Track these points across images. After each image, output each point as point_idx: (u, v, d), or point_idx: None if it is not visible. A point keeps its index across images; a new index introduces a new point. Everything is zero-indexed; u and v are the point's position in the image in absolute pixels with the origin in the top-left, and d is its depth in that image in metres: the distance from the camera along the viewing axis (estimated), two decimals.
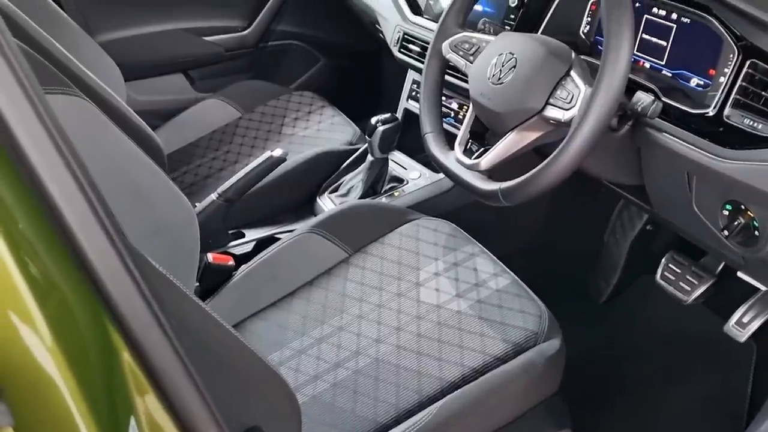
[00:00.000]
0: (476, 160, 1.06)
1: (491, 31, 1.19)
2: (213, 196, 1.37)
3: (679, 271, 1.41)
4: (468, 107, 1.48)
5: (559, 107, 0.95)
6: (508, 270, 1.22)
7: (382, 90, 2.32)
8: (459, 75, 1.35)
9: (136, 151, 1.04)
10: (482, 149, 1.08)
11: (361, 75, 2.28)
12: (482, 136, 1.15)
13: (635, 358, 1.60)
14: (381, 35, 1.73)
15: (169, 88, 2.00)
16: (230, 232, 1.46)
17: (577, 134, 0.89)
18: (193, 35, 1.98)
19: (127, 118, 1.15)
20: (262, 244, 1.45)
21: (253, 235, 1.48)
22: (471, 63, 1.12)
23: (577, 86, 0.94)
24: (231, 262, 1.29)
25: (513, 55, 1.03)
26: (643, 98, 0.94)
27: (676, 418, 1.50)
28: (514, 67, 1.01)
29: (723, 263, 1.35)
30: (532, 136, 1.02)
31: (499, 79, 1.03)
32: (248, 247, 1.44)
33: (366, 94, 2.30)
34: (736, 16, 0.96)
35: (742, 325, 1.26)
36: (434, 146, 1.15)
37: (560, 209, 1.72)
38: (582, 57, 1.07)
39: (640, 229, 1.68)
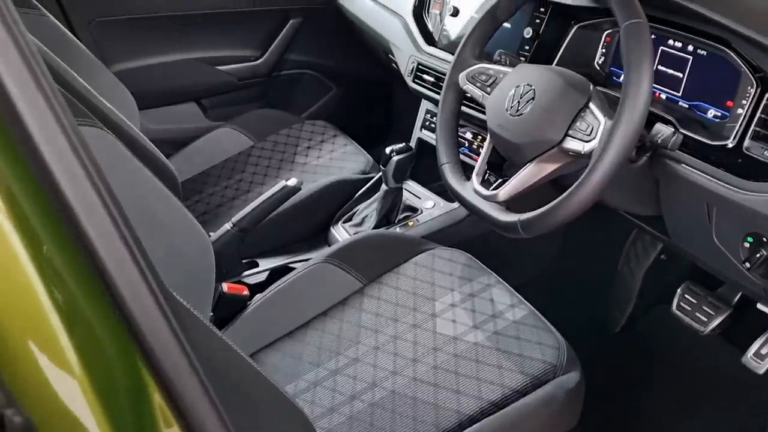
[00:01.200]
0: (494, 191, 1.06)
1: (507, 62, 1.20)
2: (227, 226, 1.37)
3: (695, 301, 1.40)
4: (483, 137, 1.49)
5: (579, 139, 0.95)
6: (525, 301, 1.21)
7: (393, 118, 2.34)
8: (474, 105, 1.36)
9: (154, 182, 1.04)
10: (500, 180, 1.08)
11: (372, 103, 2.30)
12: (500, 166, 1.15)
13: (652, 389, 1.58)
14: (394, 65, 1.74)
15: (182, 116, 2.01)
16: (244, 261, 1.46)
17: (597, 166, 0.89)
18: (206, 65, 2.00)
19: (144, 148, 1.16)
20: (276, 273, 1.44)
21: (266, 264, 1.48)
22: (488, 94, 1.13)
23: (596, 118, 0.94)
24: (245, 292, 1.29)
25: (531, 86, 1.03)
26: (662, 130, 0.94)
27: None
28: (533, 98, 1.02)
29: (740, 293, 1.34)
30: (550, 167, 1.02)
31: (518, 110, 1.03)
32: (262, 277, 1.44)
33: (377, 123, 2.32)
34: (755, 49, 0.96)
35: (760, 356, 1.24)
36: (451, 177, 1.15)
37: (574, 238, 1.72)
38: (599, 88, 1.07)
39: (654, 259, 1.67)
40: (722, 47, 1.03)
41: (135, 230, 0.46)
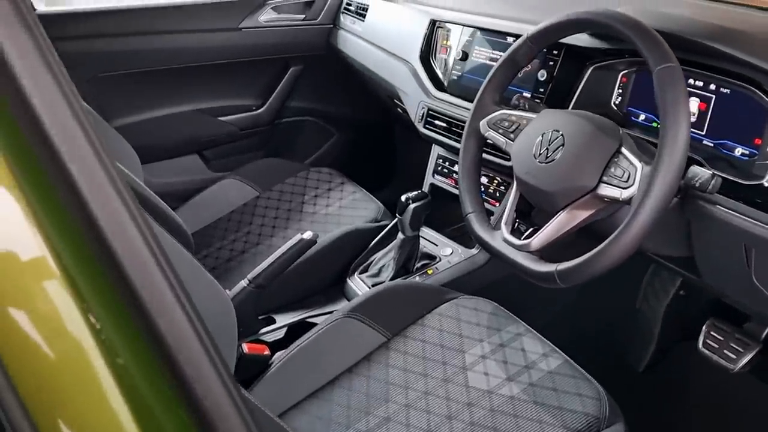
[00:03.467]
0: (526, 241, 1.03)
1: (527, 107, 1.18)
2: (243, 283, 1.33)
3: (722, 338, 1.38)
4: (499, 181, 1.47)
5: (615, 185, 0.93)
6: (558, 349, 1.17)
7: (397, 162, 2.32)
8: (493, 151, 1.34)
9: (173, 243, 1.00)
10: (531, 229, 1.05)
11: (375, 147, 2.29)
12: (528, 214, 1.12)
13: (683, 429, 1.54)
14: (400, 110, 1.73)
15: (185, 169, 1.99)
16: (260, 317, 1.42)
17: (640, 213, 0.87)
18: (207, 116, 1.98)
19: (156, 205, 1.12)
20: (294, 329, 1.40)
21: (284, 320, 1.44)
22: (512, 141, 1.11)
23: (632, 164, 0.93)
24: (266, 352, 1.24)
25: (559, 132, 1.01)
26: (700, 173, 0.92)
27: None
28: (562, 145, 1.00)
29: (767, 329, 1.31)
30: (584, 214, 0.99)
31: (547, 157, 1.01)
32: (280, 334, 1.40)
33: (381, 167, 2.30)
34: None
35: None
36: (478, 226, 1.12)
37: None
38: (625, 131, 1.06)
39: (673, 295, 1.65)
40: (746, 85, 1.02)
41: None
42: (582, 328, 1.63)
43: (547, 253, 1.04)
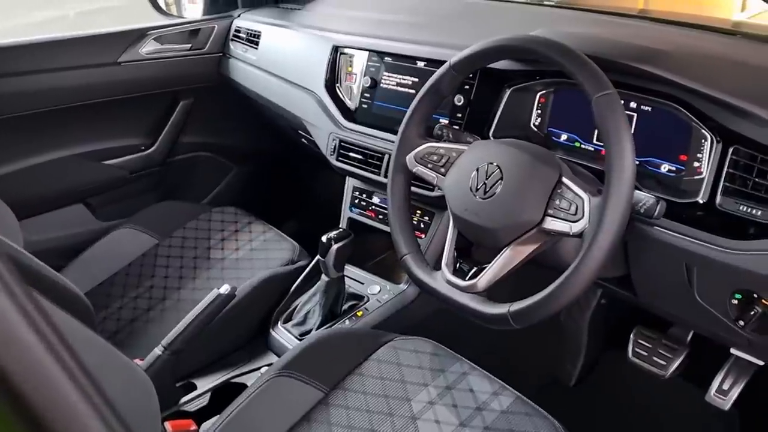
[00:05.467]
0: (471, 282, 0.98)
1: (450, 136, 1.13)
2: (157, 351, 1.19)
3: (650, 345, 1.39)
4: (422, 212, 1.41)
5: (562, 218, 0.89)
6: (507, 386, 1.13)
7: (303, 193, 2.22)
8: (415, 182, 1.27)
9: (77, 326, 0.87)
10: (474, 268, 1.00)
11: (278, 180, 2.17)
12: (467, 252, 1.07)
13: None
14: (306, 141, 1.64)
15: (69, 221, 1.79)
16: (178, 384, 1.28)
17: (594, 248, 0.83)
18: (90, 160, 1.79)
19: (46, 278, 0.97)
20: (218, 393, 1.27)
21: (205, 384, 1.30)
22: (443, 175, 1.05)
23: (577, 195, 0.89)
24: (193, 427, 1.11)
25: (496, 165, 0.96)
26: (644, 199, 0.90)
27: None
28: (501, 178, 0.95)
29: (692, 332, 1.33)
30: (528, 249, 0.95)
31: (486, 192, 0.96)
32: (204, 400, 1.26)
33: (286, 200, 2.19)
34: (712, 105, 0.95)
35: (723, 392, 1.24)
36: (417, 269, 1.05)
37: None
38: (559, 156, 1.03)
39: (595, 305, 1.66)
40: (669, 102, 1.02)
41: None
42: (515, 350, 1.61)
43: (493, 291, 0.99)
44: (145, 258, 1.62)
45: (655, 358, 1.37)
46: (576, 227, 0.87)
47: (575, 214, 0.88)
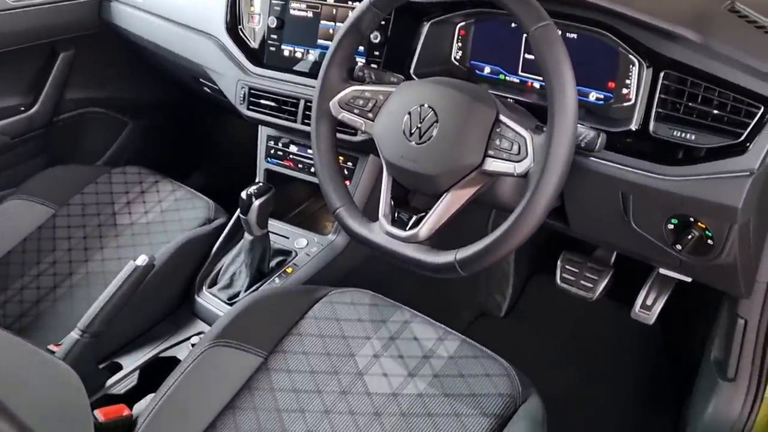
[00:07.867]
0: (412, 231, 0.93)
1: (373, 77, 1.06)
2: (75, 335, 1.09)
3: (576, 270, 1.41)
4: (347, 158, 1.34)
5: (505, 159, 0.86)
6: (451, 330, 1.11)
7: (208, 144, 2.08)
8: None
9: None
10: (414, 216, 0.95)
11: (179, 132, 2.02)
12: (404, 200, 1.02)
13: (564, 366, 1.59)
14: (209, 90, 1.52)
15: None
16: (102, 366, 1.19)
17: (542, 188, 0.80)
18: None
19: None
20: (147, 371, 1.19)
21: (132, 362, 1.21)
22: (371, 121, 0.99)
23: (519, 134, 0.86)
24: (126, 412, 1.03)
25: (429, 107, 0.91)
26: (584, 132, 0.88)
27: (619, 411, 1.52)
28: (437, 121, 0.90)
29: (615, 252, 1.36)
30: (469, 192, 0.92)
31: (421, 136, 0.91)
32: (132, 380, 1.18)
33: (189, 152, 2.05)
34: (641, 30, 0.93)
35: (647, 308, 1.28)
36: (352, 222, 1.00)
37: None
38: (492, 92, 0.98)
39: None
40: (595, 29, 1.00)
41: None
42: (446, 289, 1.60)
43: (435, 239, 0.95)
44: (42, 230, 1.48)
45: (582, 282, 1.39)
46: (520, 167, 0.84)
47: (518, 153, 0.85)
